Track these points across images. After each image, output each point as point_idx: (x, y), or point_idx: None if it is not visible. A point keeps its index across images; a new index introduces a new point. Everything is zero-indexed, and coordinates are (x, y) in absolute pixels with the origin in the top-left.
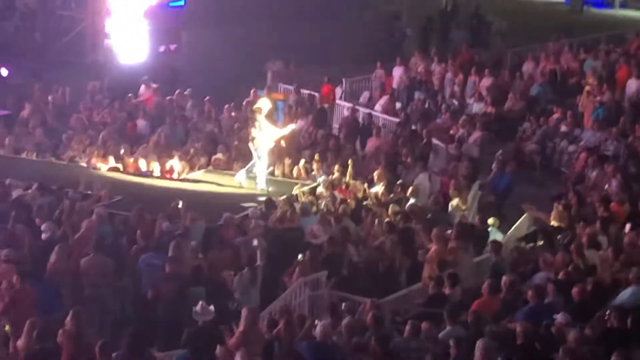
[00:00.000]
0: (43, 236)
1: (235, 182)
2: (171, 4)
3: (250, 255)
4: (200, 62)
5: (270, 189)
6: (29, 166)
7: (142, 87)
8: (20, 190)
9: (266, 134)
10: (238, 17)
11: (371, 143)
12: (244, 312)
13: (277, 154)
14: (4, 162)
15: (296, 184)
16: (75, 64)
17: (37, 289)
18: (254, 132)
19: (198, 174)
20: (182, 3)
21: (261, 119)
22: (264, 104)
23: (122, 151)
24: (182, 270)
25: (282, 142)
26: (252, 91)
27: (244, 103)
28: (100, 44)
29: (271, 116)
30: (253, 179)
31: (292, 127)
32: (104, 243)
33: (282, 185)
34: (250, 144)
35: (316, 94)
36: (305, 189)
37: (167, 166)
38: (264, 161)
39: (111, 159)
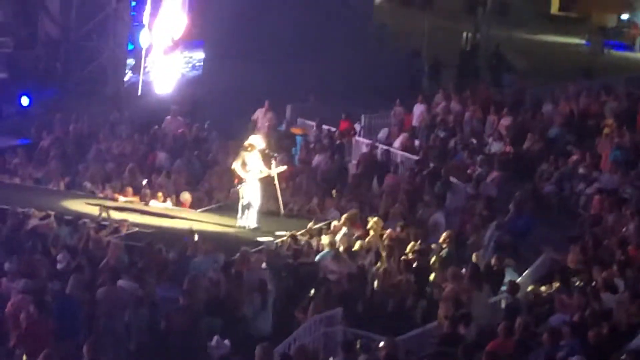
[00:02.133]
0: (58, 266)
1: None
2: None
3: (261, 280)
4: (220, 95)
5: (253, 226)
6: (46, 196)
7: (168, 118)
8: (36, 220)
9: (253, 171)
10: (259, 52)
11: (388, 180)
12: (257, 350)
13: (292, 190)
14: (22, 191)
15: (310, 219)
16: (96, 94)
17: (53, 316)
18: (234, 165)
19: (215, 207)
20: None
21: (249, 156)
22: (256, 140)
23: (144, 182)
24: (195, 303)
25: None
26: (266, 125)
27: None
28: (121, 75)
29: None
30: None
31: (282, 168)
32: (119, 274)
33: (297, 221)
34: (239, 187)
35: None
36: (320, 224)
37: (183, 199)
38: (248, 198)
39: (129, 191)
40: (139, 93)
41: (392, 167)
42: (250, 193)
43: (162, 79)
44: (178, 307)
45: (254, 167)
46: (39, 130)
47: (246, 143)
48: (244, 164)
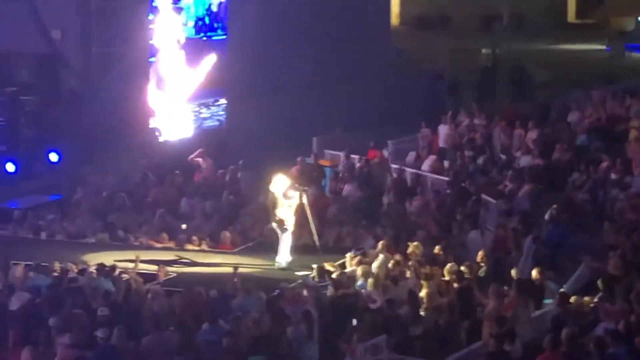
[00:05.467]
0: (99, 313)
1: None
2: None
3: (305, 311)
4: (245, 136)
5: (289, 265)
6: (82, 249)
7: (200, 160)
8: (73, 274)
9: (284, 209)
10: (279, 89)
11: (417, 203)
12: None
13: (326, 222)
14: (58, 247)
15: (348, 249)
16: (123, 144)
17: None
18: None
19: (251, 246)
20: None
21: (278, 196)
22: (280, 181)
23: (183, 226)
24: (239, 344)
25: (307, 211)
26: (298, 159)
27: (292, 171)
28: (146, 123)
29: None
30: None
31: (301, 198)
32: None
33: (334, 252)
34: (274, 225)
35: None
36: (355, 253)
37: (223, 237)
38: (287, 236)
39: (165, 237)
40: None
41: (423, 189)
42: (285, 230)
43: (181, 125)
44: (223, 349)
45: (282, 205)
46: (70, 185)
47: (271, 186)
48: (275, 206)
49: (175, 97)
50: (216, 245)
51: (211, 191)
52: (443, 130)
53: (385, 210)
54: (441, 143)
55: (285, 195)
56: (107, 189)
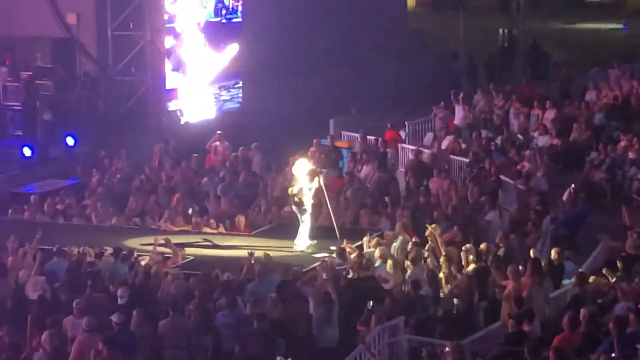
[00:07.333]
0: (119, 301)
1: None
2: None
3: (325, 293)
4: (262, 117)
5: (309, 250)
6: (100, 233)
7: (217, 143)
8: (92, 258)
9: (304, 192)
10: (295, 71)
11: (434, 184)
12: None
13: (343, 204)
14: (76, 231)
15: (365, 231)
16: (140, 127)
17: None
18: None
19: (269, 229)
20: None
21: (299, 179)
22: (301, 163)
23: (190, 211)
24: (266, 326)
25: (325, 194)
26: (314, 141)
27: (308, 153)
28: (163, 106)
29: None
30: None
31: (318, 180)
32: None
33: (352, 234)
34: (293, 207)
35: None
36: (373, 235)
37: (238, 222)
38: (306, 219)
39: (181, 220)
40: (182, 122)
41: (437, 170)
42: (304, 212)
43: (202, 108)
44: (252, 332)
45: (304, 187)
46: (86, 169)
47: (293, 170)
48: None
49: (197, 79)
50: (234, 228)
51: (228, 173)
52: (459, 111)
53: (403, 191)
54: (457, 122)
55: (305, 178)
56: (123, 173)
